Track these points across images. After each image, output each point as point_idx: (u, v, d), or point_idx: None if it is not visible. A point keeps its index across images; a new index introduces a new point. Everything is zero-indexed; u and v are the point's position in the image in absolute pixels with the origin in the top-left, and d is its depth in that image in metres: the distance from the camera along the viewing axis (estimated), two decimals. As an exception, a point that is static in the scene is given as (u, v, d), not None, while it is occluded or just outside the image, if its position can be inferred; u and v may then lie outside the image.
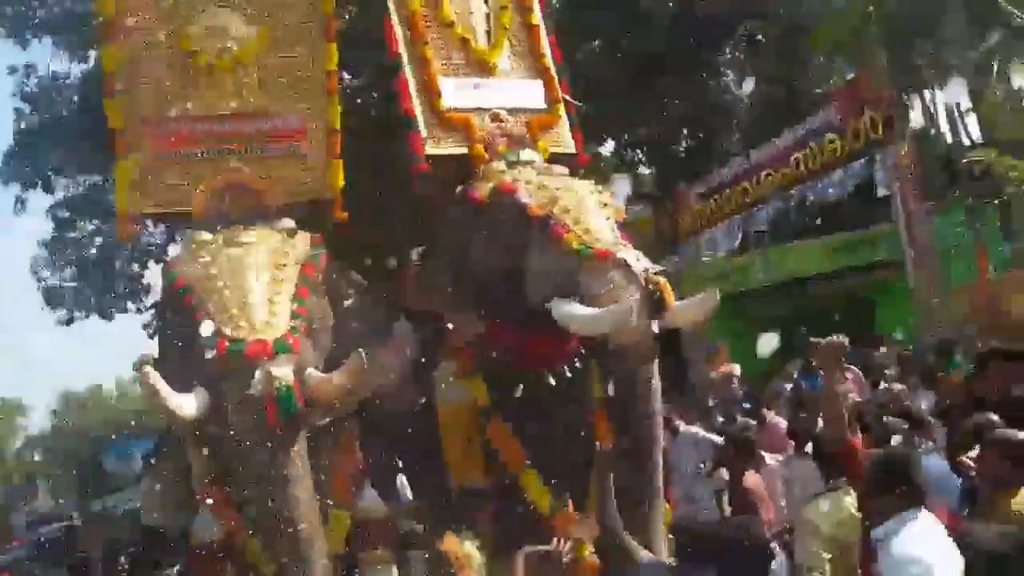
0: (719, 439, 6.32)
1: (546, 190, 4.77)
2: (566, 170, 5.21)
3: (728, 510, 5.86)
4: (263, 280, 4.34)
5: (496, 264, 4.72)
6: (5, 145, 14.04)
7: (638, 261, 4.42)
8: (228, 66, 5.19)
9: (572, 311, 4.30)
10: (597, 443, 4.86)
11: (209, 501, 4.57)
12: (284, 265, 4.48)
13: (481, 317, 4.78)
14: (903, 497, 3.21)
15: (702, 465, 6.25)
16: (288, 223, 4.86)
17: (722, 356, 9.74)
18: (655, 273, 4.41)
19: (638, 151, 16.68)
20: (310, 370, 4.14)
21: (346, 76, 12.28)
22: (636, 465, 4.40)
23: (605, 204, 4.84)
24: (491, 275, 4.74)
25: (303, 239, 4.75)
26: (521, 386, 4.70)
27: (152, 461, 5.96)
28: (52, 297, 15.09)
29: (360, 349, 4.07)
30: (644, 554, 3.70)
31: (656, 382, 4.44)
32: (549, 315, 4.39)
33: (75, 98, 12.75)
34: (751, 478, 5.64)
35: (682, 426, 6.84)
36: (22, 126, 13.78)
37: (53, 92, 13.76)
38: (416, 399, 4.95)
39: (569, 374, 4.77)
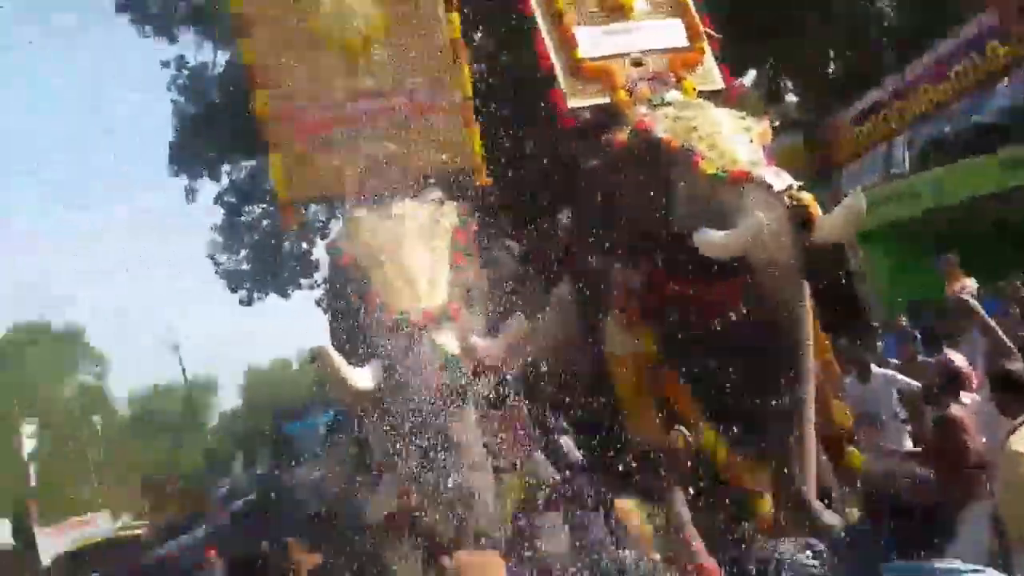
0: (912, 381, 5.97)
1: (684, 122, 4.63)
2: (707, 103, 5.00)
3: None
4: (420, 250, 4.39)
5: (644, 206, 4.59)
6: (169, 139, 14.63)
7: (778, 177, 4.24)
8: (359, 46, 5.27)
9: (708, 236, 4.14)
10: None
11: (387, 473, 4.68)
12: (437, 235, 4.53)
13: (639, 266, 4.67)
14: None
15: (898, 410, 5.94)
16: (436, 193, 4.88)
17: (954, 270, 8.98)
18: (797, 189, 4.22)
19: (786, 80, 15.88)
20: (473, 336, 4.16)
21: (478, 39, 12.31)
22: (791, 393, 4.23)
23: (747, 128, 4.65)
24: (642, 219, 4.61)
25: (451, 208, 4.77)
26: (690, 335, 4.55)
27: (332, 434, 6.14)
28: (231, 280, 15.84)
29: (519, 312, 4.07)
30: (829, 516, 3.48)
31: (805, 307, 4.24)
32: (706, 263, 4.23)
33: (224, 86, 13.19)
34: (956, 410, 5.22)
35: (874, 368, 6.53)
36: (180, 118, 14.35)
37: (205, 81, 14.22)
38: (581, 358, 4.89)
39: (733, 316, 4.53)
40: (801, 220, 4.13)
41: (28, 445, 33.04)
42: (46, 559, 28.47)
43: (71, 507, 34.74)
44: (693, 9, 5.72)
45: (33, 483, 32.77)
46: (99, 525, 30.04)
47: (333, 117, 5.23)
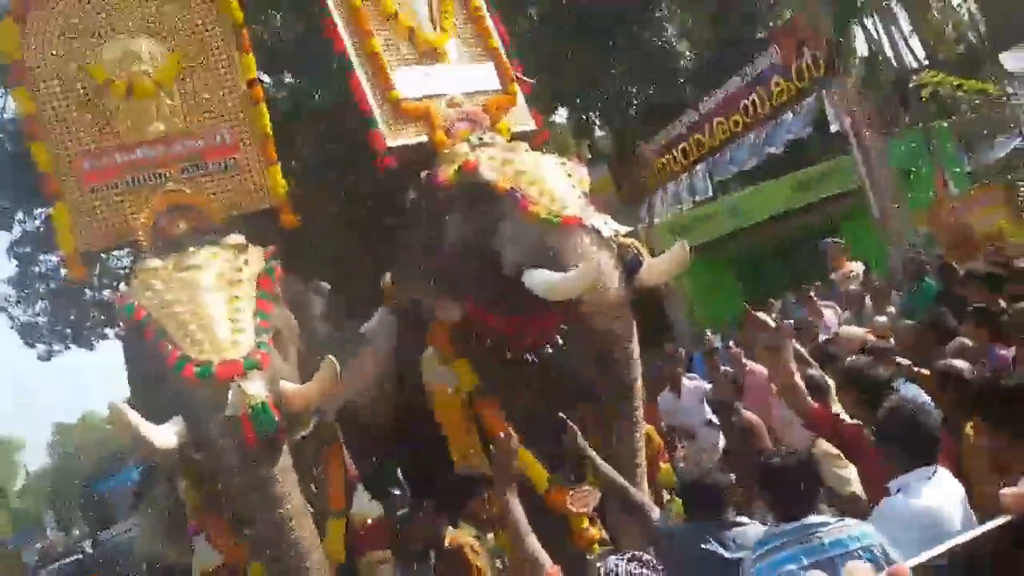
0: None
1: (510, 164, 4.67)
2: (526, 145, 5.08)
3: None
4: (220, 299, 4.16)
5: (468, 244, 4.60)
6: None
7: (606, 225, 4.36)
8: (148, 90, 5.03)
9: (544, 277, 4.18)
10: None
11: (203, 531, 4.41)
12: (240, 281, 4.30)
13: (459, 300, 4.64)
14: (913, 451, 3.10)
15: (711, 417, 6.19)
16: (237, 238, 4.66)
17: (839, 255, 9.35)
18: (624, 235, 4.37)
19: (591, 115, 16.51)
20: (283, 383, 3.97)
21: (289, 79, 12.10)
22: (621, 440, 4.30)
23: (570, 174, 4.74)
24: (464, 256, 4.60)
25: (255, 252, 4.58)
26: (505, 367, 4.62)
27: (144, 491, 5.78)
28: (28, 333, 14.80)
29: (330, 355, 3.94)
30: (656, 511, 3.59)
31: (635, 347, 4.33)
32: (525, 291, 4.25)
33: (12, 133, 12.31)
34: (748, 414, 5.63)
35: (684, 381, 6.82)
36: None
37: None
38: (399, 394, 4.83)
39: (550, 350, 4.69)
40: (629, 265, 4.27)
41: None
42: None
43: None
44: (504, 55, 5.81)
45: None
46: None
47: (120, 164, 4.96)
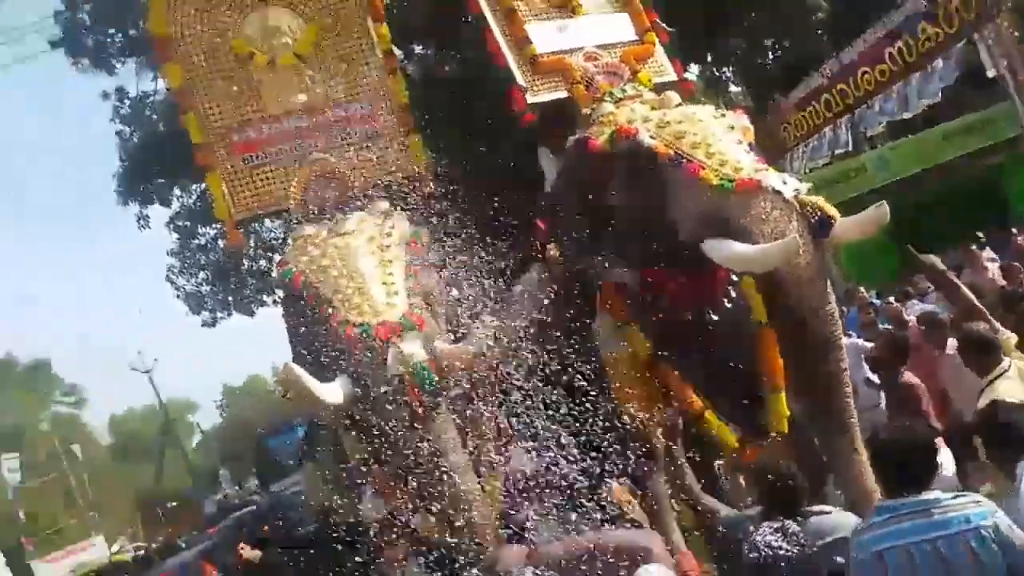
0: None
1: (668, 126, 4.32)
2: (678, 99, 4.72)
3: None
4: (373, 263, 4.18)
5: (633, 212, 4.31)
6: (116, 169, 14.19)
7: (786, 184, 3.95)
8: (288, 62, 5.07)
9: (735, 250, 3.84)
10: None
11: (369, 483, 4.38)
12: (389, 246, 4.31)
13: (628, 265, 4.40)
14: None
15: (869, 375, 5.84)
16: (383, 205, 4.69)
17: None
18: (806, 192, 3.96)
19: (726, 69, 15.79)
20: (439, 342, 3.95)
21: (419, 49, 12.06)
22: (830, 395, 3.96)
23: (732, 126, 4.35)
24: (631, 223, 4.33)
25: (401, 218, 4.57)
26: (683, 328, 4.32)
27: (308, 448, 5.92)
28: (193, 302, 15.44)
29: (485, 314, 3.88)
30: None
31: (834, 305, 3.97)
32: (698, 254, 3.98)
33: (166, 113, 12.76)
34: (908, 376, 5.26)
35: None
36: (125, 148, 13.96)
37: (147, 109, 13.84)
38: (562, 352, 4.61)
39: (728, 303, 4.28)
40: (818, 226, 3.88)
41: (11, 480, 32.34)
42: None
43: (64, 536, 34.23)
44: (639, 3, 5.52)
45: (22, 517, 32.14)
46: (94, 551, 29.75)
47: (267, 135, 5.03)
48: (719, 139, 4.20)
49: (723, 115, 4.46)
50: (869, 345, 6.28)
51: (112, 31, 13.41)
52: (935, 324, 5.41)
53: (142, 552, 27.82)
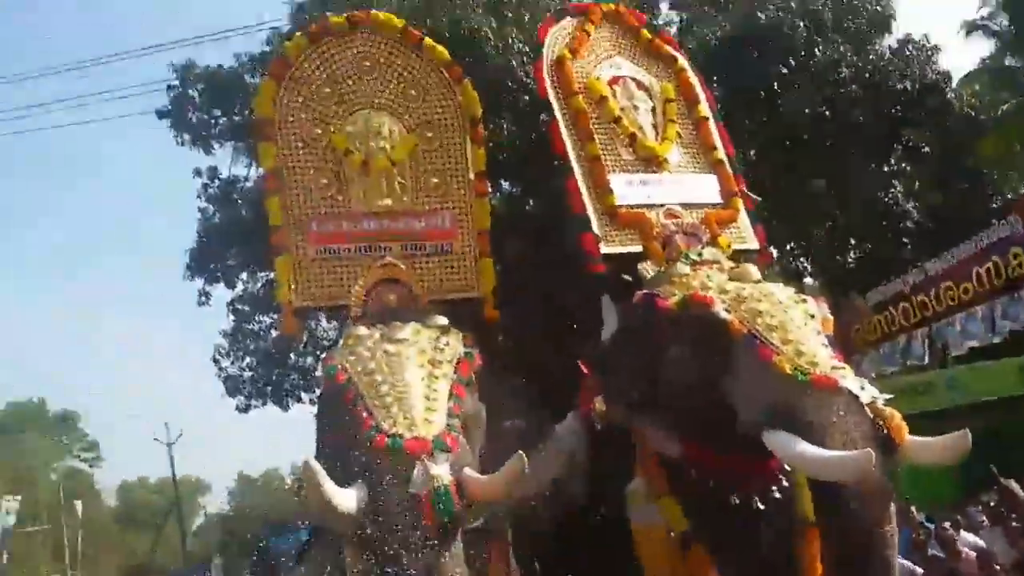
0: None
1: (744, 301, 4.25)
2: (758, 274, 4.68)
3: None
4: (420, 376, 4.13)
5: (693, 383, 4.18)
6: (190, 243, 14.62)
7: (863, 390, 3.80)
8: (382, 166, 5.22)
9: (803, 451, 3.66)
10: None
11: None
12: (440, 362, 4.27)
13: (677, 435, 4.27)
14: None
15: None
16: (441, 320, 4.68)
17: None
18: (883, 403, 3.79)
19: (803, 260, 15.84)
20: (467, 470, 3.83)
21: (504, 184, 12.40)
22: None
23: (812, 315, 4.24)
24: (688, 394, 4.20)
25: (456, 336, 4.54)
26: (723, 512, 4.12)
27: (304, 554, 5.75)
28: (231, 385, 15.51)
29: (520, 451, 3.73)
30: None
31: (894, 528, 3.76)
32: (754, 439, 3.83)
33: (251, 199, 13.10)
34: None
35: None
36: (205, 226, 14.39)
37: (233, 193, 14.29)
38: (572, 505, 4.53)
39: (778, 495, 4.14)
40: (885, 441, 3.70)
41: (6, 521, 32.13)
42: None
43: (43, 592, 33.69)
44: (728, 168, 5.57)
45: (5, 560, 31.80)
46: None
47: (345, 231, 5.15)
48: (798, 326, 4.09)
49: (804, 300, 4.35)
50: (920, 572, 5.93)
51: (217, 113, 14.04)
52: (991, 564, 5.10)
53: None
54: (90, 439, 49.81)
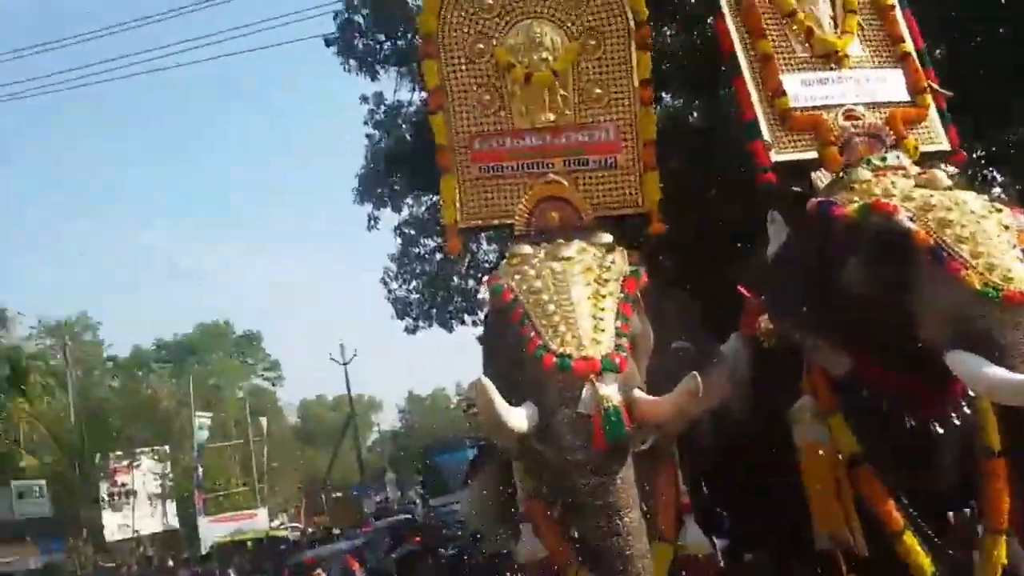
0: None
1: (932, 210, 3.93)
2: (948, 179, 4.32)
3: None
4: (586, 295, 4.06)
5: (871, 296, 3.96)
6: (358, 169, 15.01)
7: None
8: (544, 79, 5.06)
9: (991, 374, 3.43)
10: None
11: (531, 520, 4.30)
12: (606, 280, 4.18)
13: (849, 351, 4.07)
14: None
15: None
16: (606, 237, 4.59)
17: None
18: None
19: (994, 169, 14.62)
20: (637, 391, 3.79)
21: (666, 96, 12.00)
22: None
23: (1007, 225, 3.90)
24: (864, 308, 3.98)
25: (621, 254, 4.44)
26: (896, 433, 3.93)
27: (475, 469, 5.93)
28: (400, 307, 16.06)
29: (693, 371, 3.65)
30: None
31: None
32: (935, 358, 3.63)
33: (416, 124, 13.32)
34: None
35: None
36: (372, 151, 14.71)
37: (398, 118, 14.53)
38: (737, 425, 4.41)
39: (957, 420, 3.91)
40: None
41: (199, 437, 34.93)
42: (205, 545, 30.29)
43: (231, 501, 36.69)
44: (916, 60, 5.12)
45: (200, 473, 34.61)
46: (255, 522, 31.68)
47: (508, 148, 5.06)
48: (990, 238, 3.77)
49: (999, 210, 3.99)
50: None
51: (382, 38, 14.25)
52: None
53: (298, 533, 29.43)
54: (272, 359, 53.08)
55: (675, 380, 3.71)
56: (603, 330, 3.90)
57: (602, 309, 4.01)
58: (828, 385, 4.24)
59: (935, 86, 5.11)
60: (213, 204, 79.53)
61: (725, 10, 5.09)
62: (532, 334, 3.88)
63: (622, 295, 4.15)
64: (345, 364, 36.89)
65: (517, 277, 4.25)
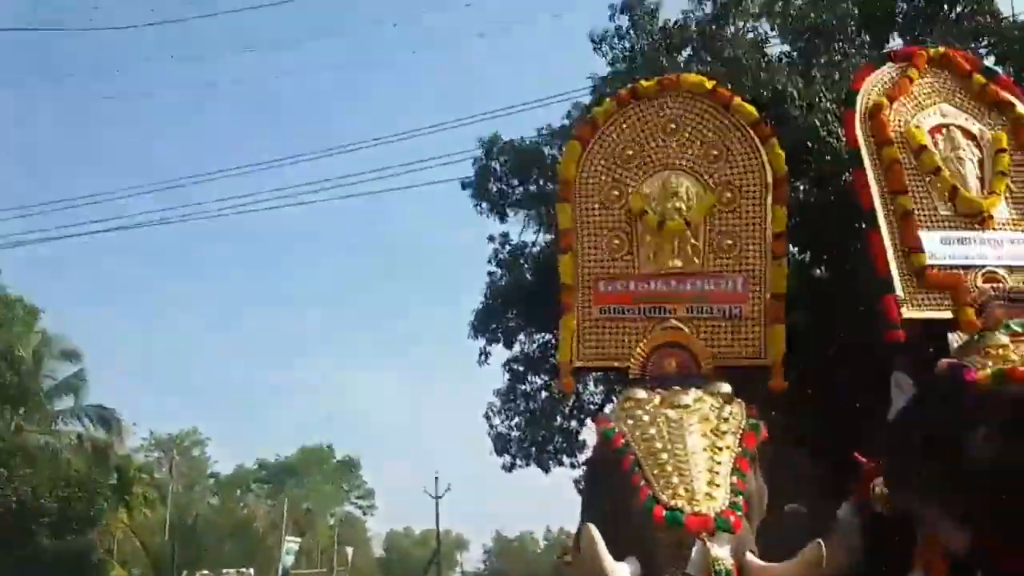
0: None
1: None
2: None
3: None
4: (703, 446, 3.97)
5: (998, 470, 3.70)
6: (476, 304, 15.35)
7: None
8: (676, 227, 5.15)
9: None
10: None
11: None
12: (724, 432, 4.09)
13: (971, 526, 3.80)
14: None
15: None
16: (725, 387, 4.52)
17: None
18: None
19: None
20: (750, 555, 3.64)
21: (794, 250, 11.92)
22: None
23: None
24: (990, 481, 3.72)
25: (740, 406, 4.36)
26: None
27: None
28: (499, 443, 15.98)
29: (819, 539, 3.51)
30: None
31: None
32: None
33: (537, 264, 13.71)
34: None
35: None
36: (492, 288, 15.11)
37: (520, 258, 14.93)
38: None
39: None
40: None
41: (286, 562, 34.85)
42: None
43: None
44: None
45: (280, 599, 34.28)
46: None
47: (632, 292, 5.12)
48: None
49: None
50: None
51: (515, 182, 14.94)
52: None
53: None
54: (367, 487, 53.20)
55: (785, 544, 3.57)
56: (718, 485, 3.77)
57: (718, 463, 3.89)
58: (942, 560, 3.96)
59: None
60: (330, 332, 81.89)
61: (867, 164, 5.04)
62: (642, 483, 3.78)
63: (739, 449, 4.03)
64: (437, 498, 36.61)
65: (630, 422, 4.18)
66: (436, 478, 36.78)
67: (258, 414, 71.05)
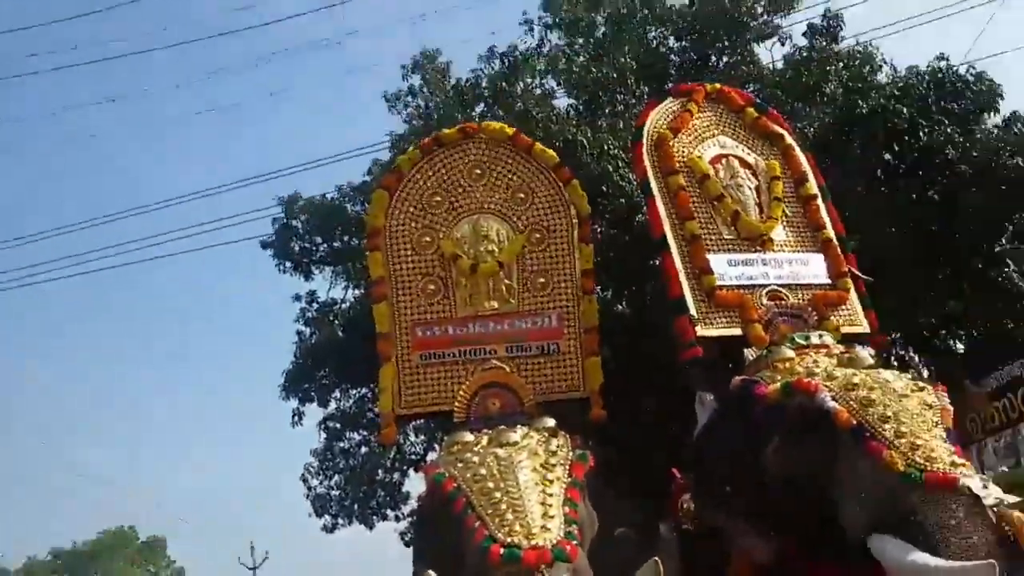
0: None
1: (854, 389, 4.02)
2: (870, 358, 4.49)
3: None
4: (533, 481, 4.05)
5: (790, 479, 3.98)
6: (286, 364, 15.04)
7: (986, 489, 3.54)
8: (490, 269, 5.31)
9: (914, 560, 3.42)
10: None
11: None
12: (553, 465, 4.21)
13: (773, 540, 4.06)
14: None
15: None
16: (549, 422, 4.68)
17: None
18: (1009, 505, 3.50)
19: (910, 348, 15.31)
20: None
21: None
22: None
23: (929, 405, 4.00)
24: (784, 491, 3.99)
25: (565, 438, 4.51)
26: None
27: None
28: (318, 504, 15.61)
29: (655, 558, 3.68)
30: None
31: None
32: (858, 543, 3.65)
33: (347, 320, 13.77)
34: None
35: None
36: (302, 348, 14.84)
37: (330, 315, 14.88)
38: None
39: None
40: (1013, 550, 3.39)
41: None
42: None
43: None
44: (837, 246, 5.43)
45: None
46: None
47: (451, 336, 5.21)
48: (913, 417, 3.86)
49: (921, 389, 4.11)
50: None
51: (318, 240, 14.88)
52: None
53: None
54: (176, 565, 50.17)
55: (619, 569, 3.70)
56: (552, 516, 3.86)
57: (550, 495, 3.99)
58: (751, 571, 4.20)
59: (855, 271, 5.41)
60: (121, 407, 76.70)
61: (656, 193, 5.36)
62: (477, 523, 3.82)
63: (569, 480, 4.15)
64: (254, 568, 34.94)
65: (460, 465, 4.22)
66: (252, 547, 35.12)
67: (47, 500, 65.50)
